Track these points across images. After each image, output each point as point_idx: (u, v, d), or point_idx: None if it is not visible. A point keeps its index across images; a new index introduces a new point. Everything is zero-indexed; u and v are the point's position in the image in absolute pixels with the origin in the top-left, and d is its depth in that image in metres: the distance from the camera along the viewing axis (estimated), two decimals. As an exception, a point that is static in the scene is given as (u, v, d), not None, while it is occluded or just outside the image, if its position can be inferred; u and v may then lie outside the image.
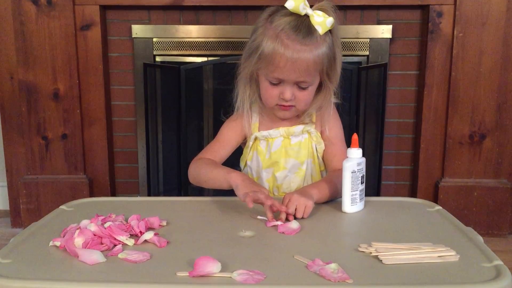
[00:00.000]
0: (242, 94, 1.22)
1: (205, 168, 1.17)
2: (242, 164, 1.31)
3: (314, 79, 1.14)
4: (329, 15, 1.10)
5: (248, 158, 1.27)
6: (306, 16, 1.10)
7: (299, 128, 1.23)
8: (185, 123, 2.15)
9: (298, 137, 1.23)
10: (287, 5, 1.09)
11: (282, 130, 1.23)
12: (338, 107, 1.28)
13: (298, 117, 1.24)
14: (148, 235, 0.86)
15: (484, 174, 2.11)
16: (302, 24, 1.09)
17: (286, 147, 1.23)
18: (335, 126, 1.24)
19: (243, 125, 1.25)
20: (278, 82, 1.14)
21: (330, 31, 1.12)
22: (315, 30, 1.09)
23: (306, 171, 1.24)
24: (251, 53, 1.15)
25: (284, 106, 1.16)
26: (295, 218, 0.98)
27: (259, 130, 1.25)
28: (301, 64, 1.09)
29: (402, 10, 2.11)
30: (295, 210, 0.98)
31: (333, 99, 1.23)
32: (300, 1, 1.08)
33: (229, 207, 1.08)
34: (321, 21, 1.09)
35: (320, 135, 1.23)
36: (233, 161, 1.32)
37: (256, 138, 1.25)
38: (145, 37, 2.16)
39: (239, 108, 1.24)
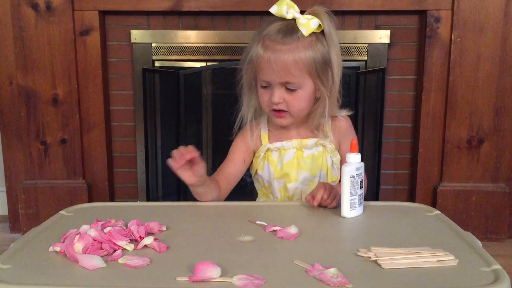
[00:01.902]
0: (246, 103, 1.23)
1: None
2: (252, 172, 1.30)
3: (301, 81, 1.13)
4: (320, 18, 1.11)
5: (259, 167, 1.26)
6: (293, 20, 1.12)
7: (312, 141, 1.22)
8: (184, 128, 2.15)
9: (311, 150, 1.22)
10: (271, 10, 1.12)
11: (295, 142, 1.22)
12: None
13: (307, 126, 1.23)
14: (148, 240, 0.86)
15: (482, 178, 2.12)
16: (287, 27, 1.11)
17: (299, 159, 1.22)
18: (349, 139, 1.21)
19: (248, 139, 1.25)
20: (267, 85, 1.15)
21: (323, 35, 1.13)
22: (298, 31, 1.10)
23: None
24: (244, 61, 1.18)
25: (276, 111, 1.17)
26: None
27: (270, 141, 1.25)
28: (280, 64, 1.10)
29: (400, 15, 2.12)
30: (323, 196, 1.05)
31: (346, 112, 1.24)
32: (283, 4, 1.10)
33: (228, 212, 1.08)
34: (305, 22, 1.10)
35: (334, 147, 1.23)
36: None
37: (268, 149, 1.24)
38: (144, 42, 2.17)
39: (244, 119, 1.24)
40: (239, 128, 1.27)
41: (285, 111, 1.17)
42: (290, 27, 1.11)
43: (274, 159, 1.24)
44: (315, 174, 1.23)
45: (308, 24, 1.10)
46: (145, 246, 0.86)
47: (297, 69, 1.11)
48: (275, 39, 1.11)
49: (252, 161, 1.28)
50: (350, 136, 1.23)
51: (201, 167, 1.05)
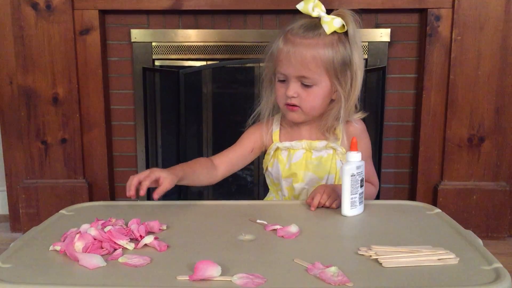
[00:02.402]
0: (266, 98, 1.25)
1: None
2: (264, 167, 1.31)
3: (317, 78, 1.14)
4: (344, 20, 1.12)
5: (269, 164, 1.27)
6: (318, 18, 1.13)
7: (322, 143, 1.22)
8: (184, 127, 2.15)
9: (320, 152, 1.22)
10: (297, 6, 1.14)
11: (305, 143, 1.22)
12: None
13: (319, 127, 1.23)
14: (148, 239, 0.86)
15: (483, 177, 2.11)
16: (310, 23, 1.14)
17: (307, 160, 1.22)
18: (362, 144, 1.21)
19: (262, 132, 1.26)
20: (284, 79, 1.16)
21: (346, 35, 1.14)
22: (320, 28, 1.12)
23: None
24: (267, 57, 1.20)
25: (289, 105, 1.17)
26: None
27: (280, 140, 1.25)
28: (298, 57, 1.12)
29: (401, 14, 2.12)
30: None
31: (360, 115, 1.23)
32: (309, 1, 1.12)
33: (228, 211, 1.08)
34: (329, 21, 1.12)
35: (345, 151, 1.22)
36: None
37: (277, 148, 1.25)
38: (144, 41, 2.16)
39: (262, 113, 1.26)
40: (253, 122, 1.28)
41: (298, 106, 1.17)
42: (313, 24, 1.13)
43: (283, 158, 1.24)
44: (322, 176, 1.22)
45: (331, 22, 1.11)
46: (146, 245, 0.86)
47: (314, 65, 1.12)
48: (296, 33, 1.13)
49: (264, 157, 1.30)
50: (363, 141, 1.22)
51: (164, 180, 1.05)
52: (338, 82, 1.15)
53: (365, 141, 1.24)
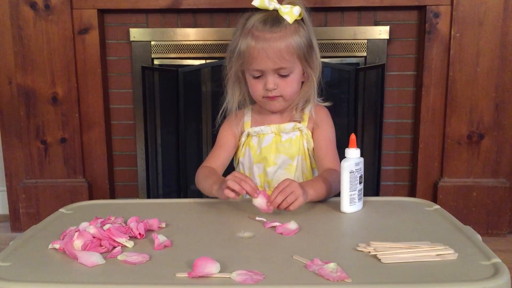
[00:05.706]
0: (231, 95, 1.28)
1: (201, 180, 1.21)
2: (235, 160, 1.33)
3: (292, 66, 1.18)
4: (299, 6, 1.17)
5: (241, 154, 1.30)
6: (275, 10, 1.18)
7: (290, 125, 1.26)
8: (184, 126, 2.15)
9: (289, 134, 1.26)
10: (253, 3, 1.18)
11: (274, 127, 1.26)
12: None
13: (288, 113, 1.27)
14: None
15: (482, 173, 2.11)
16: (270, 17, 1.17)
17: (277, 143, 1.26)
18: (326, 128, 1.27)
19: (233, 126, 1.30)
20: (260, 75, 1.20)
21: (303, 22, 1.19)
22: (283, 19, 1.17)
23: (296, 167, 1.26)
24: (231, 55, 1.23)
25: (270, 97, 1.21)
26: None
27: (251, 127, 1.29)
28: (273, 51, 1.15)
29: (399, 11, 2.12)
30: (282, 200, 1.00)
31: (328, 104, 1.29)
32: None
33: (228, 208, 1.08)
34: (288, 10, 1.17)
35: (310, 133, 1.26)
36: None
37: (248, 134, 1.29)
38: (143, 41, 2.16)
39: (230, 108, 1.29)
40: (223, 118, 1.32)
41: (278, 96, 1.21)
42: (274, 17, 1.17)
43: (254, 144, 1.28)
44: (293, 157, 1.26)
45: (291, 12, 1.16)
46: (144, 242, 0.86)
47: (289, 54, 1.17)
48: (263, 29, 1.16)
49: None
50: (324, 124, 1.26)
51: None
52: (308, 64, 1.21)
53: (329, 125, 1.28)
